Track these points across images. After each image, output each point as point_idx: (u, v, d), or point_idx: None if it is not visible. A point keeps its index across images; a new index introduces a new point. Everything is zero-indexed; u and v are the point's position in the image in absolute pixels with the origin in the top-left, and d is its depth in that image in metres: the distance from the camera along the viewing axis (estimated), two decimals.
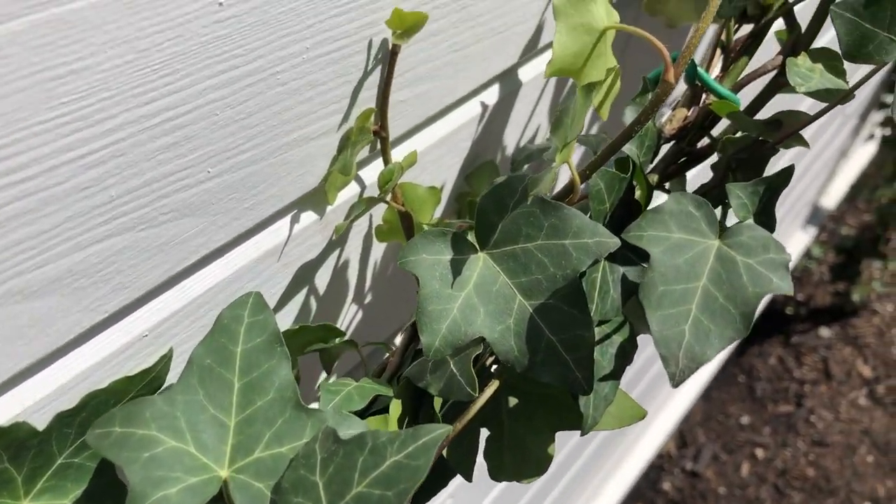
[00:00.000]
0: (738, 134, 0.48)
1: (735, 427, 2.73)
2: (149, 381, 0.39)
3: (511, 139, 0.60)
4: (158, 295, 0.40)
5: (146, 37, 0.31)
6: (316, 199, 0.46)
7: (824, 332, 2.89)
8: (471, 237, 0.42)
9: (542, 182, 0.39)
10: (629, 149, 0.44)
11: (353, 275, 0.52)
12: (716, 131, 0.51)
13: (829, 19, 0.43)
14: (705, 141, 0.50)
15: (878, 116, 2.61)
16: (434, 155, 0.53)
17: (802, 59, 0.46)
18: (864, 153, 2.90)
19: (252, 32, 0.35)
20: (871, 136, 2.74)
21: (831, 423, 2.73)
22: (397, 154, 0.50)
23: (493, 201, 0.42)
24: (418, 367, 0.42)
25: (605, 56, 0.41)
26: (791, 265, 2.72)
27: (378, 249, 0.53)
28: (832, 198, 2.86)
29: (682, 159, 0.50)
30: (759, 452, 2.65)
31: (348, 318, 0.54)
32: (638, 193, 0.47)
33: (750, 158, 0.48)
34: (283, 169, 0.42)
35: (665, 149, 0.51)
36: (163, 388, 0.40)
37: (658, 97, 0.39)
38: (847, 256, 2.84)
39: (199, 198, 0.38)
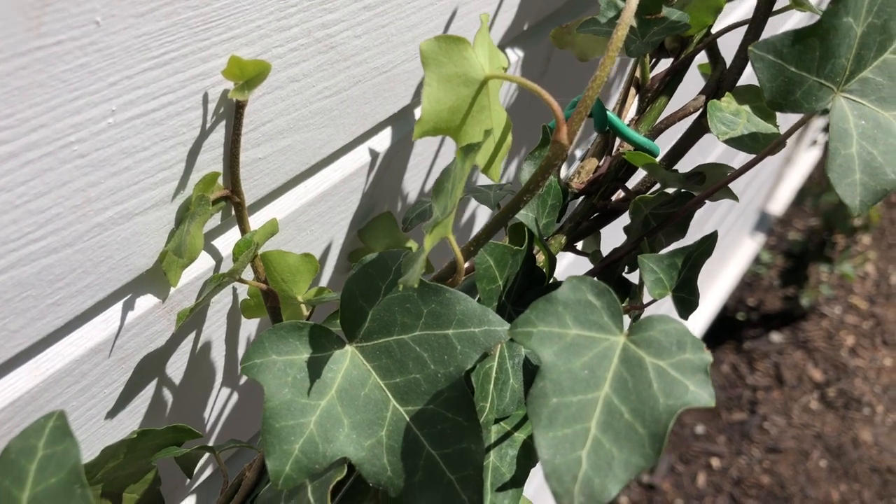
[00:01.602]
0: (655, 190, 0.42)
1: (690, 437, 2.72)
2: None
3: (412, 186, 0.53)
4: None
5: None
6: (156, 279, 0.38)
7: (775, 336, 2.90)
8: (337, 328, 0.35)
9: (415, 265, 0.32)
10: (524, 215, 0.37)
11: (217, 358, 0.44)
12: (633, 182, 0.44)
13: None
14: (622, 193, 0.44)
15: (820, 122, 2.61)
16: (314, 212, 0.46)
17: (727, 102, 0.40)
18: (808, 158, 2.91)
19: (22, 98, 0.27)
20: (815, 142, 2.74)
21: (784, 429, 2.74)
22: (265, 217, 0.43)
23: (361, 284, 0.35)
24: (271, 492, 0.34)
25: (489, 109, 0.34)
26: (741, 272, 2.71)
27: (249, 325, 0.46)
28: (779, 203, 2.86)
29: (595, 215, 0.44)
30: (715, 462, 2.65)
31: (217, 408, 0.46)
32: (541, 260, 0.40)
33: (673, 213, 0.42)
34: (100, 253, 0.34)
35: (576, 203, 0.44)
36: None
37: (549, 161, 0.32)
38: (795, 261, 2.86)
39: None
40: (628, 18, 0.31)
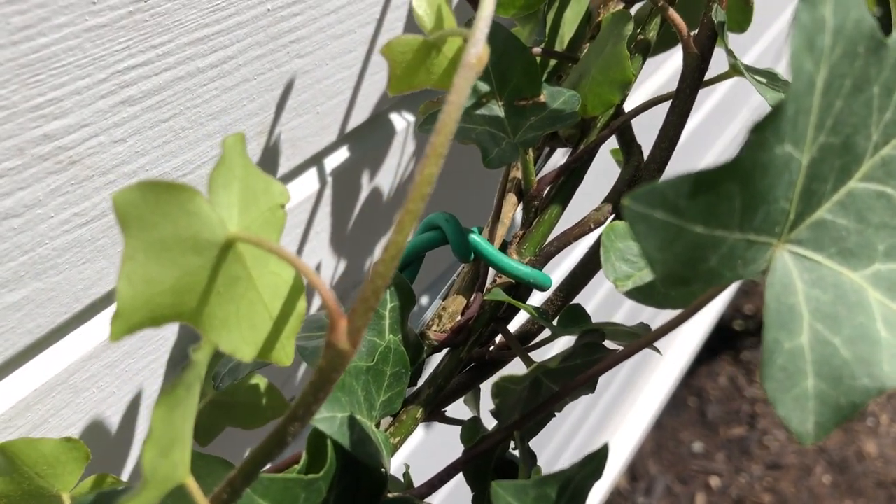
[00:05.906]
0: (542, 340, 0.30)
1: (688, 455, 2.62)
2: None
3: None
4: None
5: None
6: None
7: None
8: None
9: None
10: (328, 419, 0.25)
11: None
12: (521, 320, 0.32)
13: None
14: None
15: None
16: (98, 364, 0.34)
17: None
18: None
19: None
20: None
21: (785, 444, 2.65)
22: (12, 386, 0.31)
23: None
24: None
25: (250, 279, 0.23)
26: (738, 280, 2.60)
27: None
28: None
29: (471, 366, 0.32)
30: (714, 481, 2.55)
31: None
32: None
33: (576, 369, 0.30)
34: None
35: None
36: None
37: (323, 376, 0.20)
38: None
39: None
40: (454, 113, 0.19)
